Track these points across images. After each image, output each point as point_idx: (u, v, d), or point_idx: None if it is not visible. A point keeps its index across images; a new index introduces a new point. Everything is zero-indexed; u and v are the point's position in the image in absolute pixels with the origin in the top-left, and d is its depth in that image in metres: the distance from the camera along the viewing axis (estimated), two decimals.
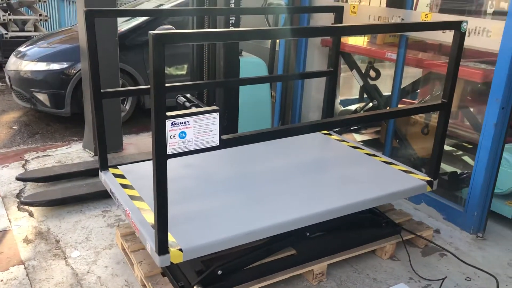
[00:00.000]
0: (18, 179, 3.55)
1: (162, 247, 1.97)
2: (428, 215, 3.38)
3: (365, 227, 2.88)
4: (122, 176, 2.68)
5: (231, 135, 2.02)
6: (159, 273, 2.46)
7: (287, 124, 4.68)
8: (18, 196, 3.43)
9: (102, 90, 2.60)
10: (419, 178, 2.81)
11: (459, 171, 3.75)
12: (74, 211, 3.26)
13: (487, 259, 2.91)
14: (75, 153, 4.25)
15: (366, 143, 4.58)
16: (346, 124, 3.81)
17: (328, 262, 2.63)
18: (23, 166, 3.94)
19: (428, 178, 2.80)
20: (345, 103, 5.45)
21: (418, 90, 4.64)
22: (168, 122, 1.77)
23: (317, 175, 2.84)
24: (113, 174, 2.72)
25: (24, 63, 5.17)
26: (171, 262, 2.01)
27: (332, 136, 3.48)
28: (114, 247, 2.88)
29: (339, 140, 3.41)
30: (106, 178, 2.67)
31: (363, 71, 4.77)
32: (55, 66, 5.01)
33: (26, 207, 3.27)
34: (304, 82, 4.52)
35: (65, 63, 5.01)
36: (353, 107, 4.87)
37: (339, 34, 3.26)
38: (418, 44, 3.95)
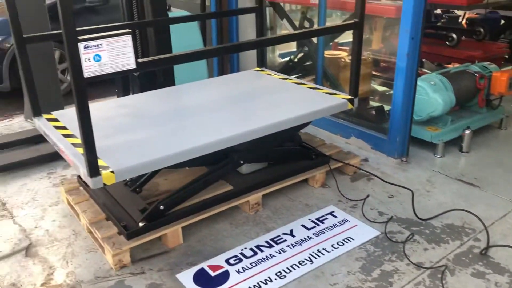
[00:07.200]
0: None
1: (93, 168, 2.06)
2: (358, 147, 3.65)
3: (296, 160, 3.10)
4: (56, 120, 2.73)
5: (148, 58, 2.13)
6: (103, 218, 2.60)
7: (226, 73, 4.84)
8: None
9: (24, 35, 2.59)
10: (340, 97, 3.00)
11: (386, 106, 4.02)
12: (19, 176, 3.33)
13: (409, 178, 3.20)
14: (17, 125, 4.26)
15: None
16: (268, 43, 4.02)
17: (263, 193, 2.84)
18: None
19: (349, 97, 2.99)
20: (284, 55, 5.63)
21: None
22: (81, 45, 1.85)
23: (246, 103, 2.96)
24: (47, 119, 2.76)
25: None
26: (104, 184, 2.10)
27: (264, 71, 3.62)
28: (61, 203, 2.99)
29: (270, 74, 3.54)
30: (40, 123, 2.71)
31: (298, 22, 4.95)
32: None
33: None
34: (239, 34, 4.66)
35: None
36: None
37: None
38: None
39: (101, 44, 1.90)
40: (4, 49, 4.91)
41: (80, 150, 2.28)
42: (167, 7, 3.64)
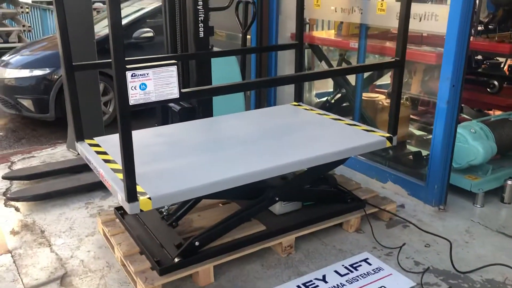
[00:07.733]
0: (4, 178, 3.72)
1: (131, 194, 2.10)
2: (395, 192, 3.58)
3: (331, 203, 3.07)
4: (97, 145, 2.80)
5: (191, 89, 2.19)
6: (137, 252, 2.63)
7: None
8: (4, 193, 3.59)
9: (74, 63, 2.69)
10: (379, 135, 2.96)
11: (423, 151, 3.96)
12: (58, 205, 3.42)
13: (447, 228, 3.11)
14: (59, 153, 4.41)
15: None
16: (308, 79, 4.11)
17: (296, 235, 2.81)
18: (9, 167, 4.10)
19: (388, 135, 2.94)
20: (320, 95, 5.67)
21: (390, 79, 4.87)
22: (129, 74, 1.93)
23: (283, 137, 2.96)
24: (89, 144, 2.84)
25: (8, 71, 5.34)
26: (141, 210, 2.14)
27: (301, 106, 3.63)
28: (96, 234, 3.05)
29: (307, 109, 3.54)
30: (82, 148, 2.79)
31: (336, 64, 5.00)
32: (38, 72, 5.18)
33: (13, 203, 3.44)
34: (277, 72, 4.74)
35: (47, 68, 5.19)
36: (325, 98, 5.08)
37: None
38: (382, 33, 4.18)
39: (147, 73, 1.98)
40: (53, 80, 5.17)
41: (120, 176, 2.33)
42: (210, 47, 3.76)
